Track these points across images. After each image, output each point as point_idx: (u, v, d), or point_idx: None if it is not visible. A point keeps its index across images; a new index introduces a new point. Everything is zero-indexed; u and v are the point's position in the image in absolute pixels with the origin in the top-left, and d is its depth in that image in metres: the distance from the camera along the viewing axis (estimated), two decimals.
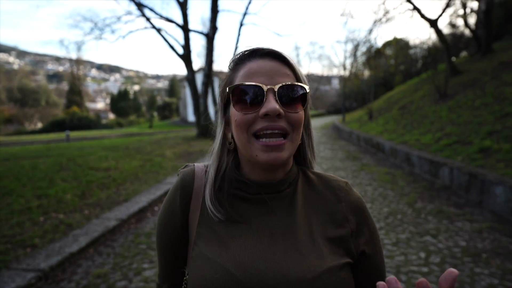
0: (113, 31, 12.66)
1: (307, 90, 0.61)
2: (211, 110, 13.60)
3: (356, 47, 17.06)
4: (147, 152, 8.69)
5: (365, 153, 8.95)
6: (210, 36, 11.97)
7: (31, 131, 38.48)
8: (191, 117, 29.19)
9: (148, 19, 11.95)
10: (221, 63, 43.39)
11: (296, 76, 0.61)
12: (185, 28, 12.07)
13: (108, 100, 76.57)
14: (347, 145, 10.63)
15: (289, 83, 0.58)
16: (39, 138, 20.72)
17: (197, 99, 12.55)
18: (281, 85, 0.58)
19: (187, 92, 27.19)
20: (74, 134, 21.04)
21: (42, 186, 4.84)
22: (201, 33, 12.49)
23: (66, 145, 11.65)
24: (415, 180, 5.56)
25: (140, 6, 11.64)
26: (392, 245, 3.05)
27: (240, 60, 0.63)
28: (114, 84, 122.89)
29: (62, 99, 58.15)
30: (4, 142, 17.68)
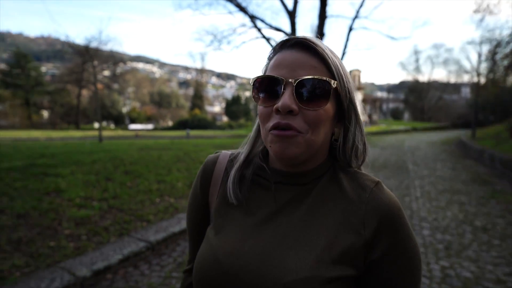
0: (229, 42, 13.98)
1: (333, 85, 0.54)
2: None
3: (495, 49, 14.08)
4: None
5: (500, 177, 7.27)
6: None
7: (163, 128, 46.26)
8: None
9: (259, 30, 12.75)
10: None
11: (329, 68, 0.56)
12: None
13: (223, 105, 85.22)
14: (474, 166, 8.86)
15: (309, 77, 0.53)
16: (168, 134, 24.72)
17: None
18: (300, 79, 0.53)
19: None
20: (193, 132, 24.27)
21: (162, 173, 5.74)
22: None
23: (186, 141, 13.52)
24: None
25: (253, 18, 12.53)
26: None
27: (274, 51, 0.60)
28: (229, 90, 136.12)
29: (188, 102, 67.89)
30: (144, 136, 21.79)
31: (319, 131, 0.56)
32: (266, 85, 0.57)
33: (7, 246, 2.72)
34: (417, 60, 54.95)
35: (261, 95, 0.58)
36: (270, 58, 0.61)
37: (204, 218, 0.69)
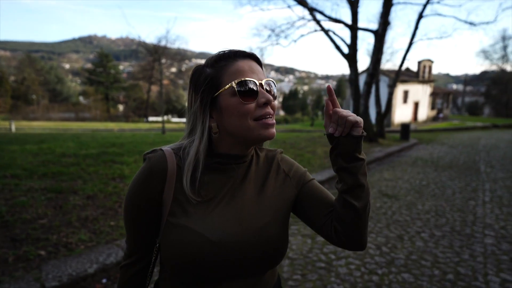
0: (286, 36, 13.90)
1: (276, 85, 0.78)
2: (372, 111, 12.71)
3: None
4: (300, 147, 9.16)
5: None
6: (379, 33, 11.15)
7: None
8: None
9: (318, 22, 12.40)
10: (392, 61, 39.15)
11: (264, 73, 0.77)
12: (352, 27, 11.76)
13: (280, 99, 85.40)
14: None
15: (270, 79, 0.74)
16: None
17: (358, 99, 12.06)
18: (265, 80, 0.72)
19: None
20: None
21: None
22: (370, 30, 11.81)
23: None
24: None
25: (312, 11, 12.23)
26: None
27: (224, 59, 0.72)
28: (287, 84, 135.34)
29: None
30: None
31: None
32: (248, 86, 0.69)
33: (76, 223, 3.17)
34: (505, 48, 47.56)
35: (243, 94, 0.69)
36: (217, 66, 0.71)
37: (152, 214, 0.73)
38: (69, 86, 59.96)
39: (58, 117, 43.64)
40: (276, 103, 0.75)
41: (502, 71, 46.29)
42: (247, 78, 0.69)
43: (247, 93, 0.69)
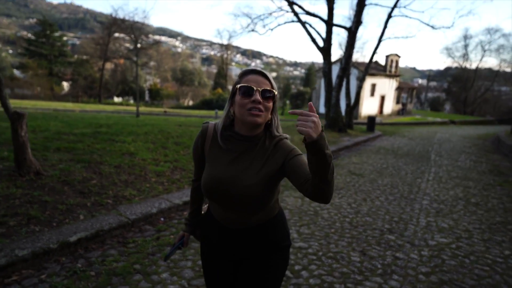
0: (264, 26, 15.09)
1: (275, 93, 1.22)
2: (343, 103, 14.48)
3: None
4: None
5: None
6: (352, 30, 12.83)
7: (186, 107, 47.98)
8: (322, 108, 30.42)
9: (296, 14, 13.78)
10: (363, 55, 41.88)
11: (272, 85, 1.23)
12: (328, 23, 13.32)
13: None
14: (499, 160, 9.73)
15: (267, 88, 1.20)
16: (195, 113, 26.43)
17: (330, 91, 13.74)
18: (262, 88, 1.19)
19: (322, 83, 28.51)
20: (220, 112, 25.86)
21: None
22: (344, 27, 13.48)
23: (216, 120, 14.98)
24: None
25: (291, 4, 13.57)
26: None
27: (245, 73, 1.25)
28: None
29: (210, 81, 69.05)
30: (173, 113, 23.46)
31: (268, 113, 1.24)
32: (246, 89, 1.19)
33: (120, 184, 4.28)
34: (465, 46, 52.94)
35: (243, 94, 1.19)
36: (240, 77, 1.25)
37: (202, 158, 1.37)
38: None
39: None
40: (268, 105, 1.20)
41: (463, 69, 51.48)
42: (245, 84, 1.18)
43: (245, 93, 1.17)
